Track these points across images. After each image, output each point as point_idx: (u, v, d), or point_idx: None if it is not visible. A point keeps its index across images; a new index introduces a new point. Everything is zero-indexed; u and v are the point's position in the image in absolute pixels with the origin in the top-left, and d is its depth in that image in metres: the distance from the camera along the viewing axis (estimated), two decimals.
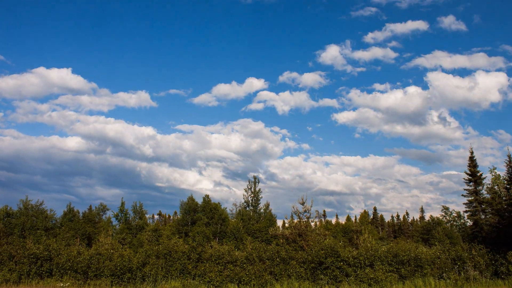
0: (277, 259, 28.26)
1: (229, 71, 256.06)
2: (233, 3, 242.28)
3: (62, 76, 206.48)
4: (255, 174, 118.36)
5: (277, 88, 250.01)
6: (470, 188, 55.32)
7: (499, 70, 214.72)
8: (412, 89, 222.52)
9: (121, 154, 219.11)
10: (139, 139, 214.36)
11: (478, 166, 55.46)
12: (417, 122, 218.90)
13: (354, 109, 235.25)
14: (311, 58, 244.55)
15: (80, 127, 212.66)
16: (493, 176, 54.15)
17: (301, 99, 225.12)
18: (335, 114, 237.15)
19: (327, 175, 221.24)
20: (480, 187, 54.72)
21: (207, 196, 75.74)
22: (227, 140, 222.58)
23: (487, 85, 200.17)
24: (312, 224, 37.18)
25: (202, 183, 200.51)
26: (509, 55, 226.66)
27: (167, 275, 27.62)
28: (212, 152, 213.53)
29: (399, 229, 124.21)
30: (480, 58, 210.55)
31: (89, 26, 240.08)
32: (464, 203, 55.76)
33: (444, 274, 27.84)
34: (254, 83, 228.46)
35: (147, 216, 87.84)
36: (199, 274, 27.54)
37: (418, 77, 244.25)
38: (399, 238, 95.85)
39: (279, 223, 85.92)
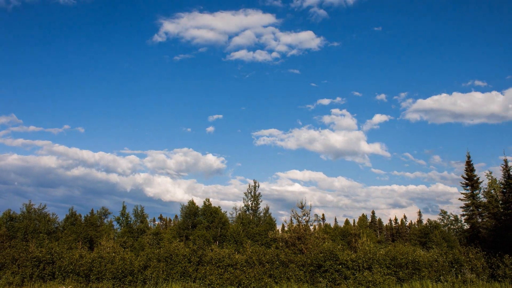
0: (277, 262, 28.26)
1: None
2: None
3: None
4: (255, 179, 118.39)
5: None
6: (467, 192, 55.38)
7: None
8: None
9: None
10: None
11: (474, 170, 55.57)
12: None
13: None
14: None
15: None
16: (490, 180, 54.26)
17: None
18: None
19: None
20: (477, 191, 54.78)
21: (207, 200, 75.66)
22: None
23: None
24: (311, 227, 37.16)
25: None
26: None
27: (168, 278, 27.60)
28: None
29: (397, 232, 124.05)
30: None
31: None
32: (461, 207, 55.83)
33: (441, 277, 27.82)
34: None
35: (148, 219, 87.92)
36: (200, 277, 27.53)
37: None
38: (397, 241, 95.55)
39: (279, 226, 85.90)
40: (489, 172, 55.86)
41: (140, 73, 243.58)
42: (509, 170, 49.88)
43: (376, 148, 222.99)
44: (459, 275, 28.20)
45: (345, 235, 77.33)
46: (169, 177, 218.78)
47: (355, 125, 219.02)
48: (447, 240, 74.58)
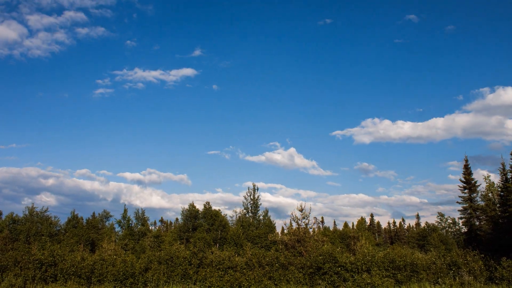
0: (276, 264, 28.23)
1: None
2: None
3: None
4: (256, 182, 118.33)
5: None
6: (465, 195, 55.42)
7: None
8: None
9: None
10: None
11: (472, 173, 55.62)
12: None
13: None
14: None
15: None
16: (487, 184, 54.31)
17: None
18: None
19: None
20: (475, 194, 54.83)
21: (207, 203, 75.59)
22: None
23: None
24: (311, 230, 37.10)
25: None
26: None
27: (168, 280, 27.58)
28: None
29: (396, 235, 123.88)
30: None
31: None
32: (459, 210, 55.91)
33: (439, 279, 27.79)
34: None
35: (149, 222, 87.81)
36: (200, 279, 27.50)
37: None
38: (396, 244, 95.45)
39: (278, 229, 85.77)
40: (487, 176, 55.99)
41: None
42: (506, 173, 49.93)
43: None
44: (457, 278, 28.16)
45: (344, 238, 77.11)
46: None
47: None
48: (445, 243, 74.54)
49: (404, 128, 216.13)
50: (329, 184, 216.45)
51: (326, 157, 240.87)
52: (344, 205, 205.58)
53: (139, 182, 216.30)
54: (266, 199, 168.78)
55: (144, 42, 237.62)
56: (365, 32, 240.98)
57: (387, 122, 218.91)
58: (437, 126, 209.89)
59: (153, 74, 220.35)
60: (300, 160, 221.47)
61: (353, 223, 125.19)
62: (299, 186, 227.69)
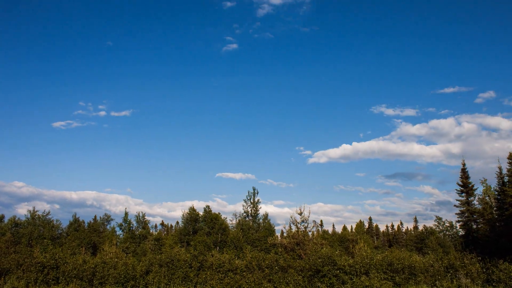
0: (276, 267, 28.21)
1: None
2: None
3: None
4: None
5: None
6: (462, 199, 55.37)
7: None
8: None
9: None
10: None
11: (469, 177, 55.61)
12: None
13: None
14: None
15: None
16: (484, 187, 54.29)
17: None
18: None
19: None
20: (472, 198, 54.79)
21: (207, 206, 75.55)
22: None
23: None
24: (310, 233, 37.13)
25: None
26: None
27: (169, 283, 27.54)
28: None
29: (394, 238, 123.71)
30: None
31: None
32: (456, 213, 55.82)
33: (437, 282, 27.77)
34: None
35: (150, 225, 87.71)
36: (201, 282, 27.48)
37: None
38: (394, 247, 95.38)
39: (278, 232, 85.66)
40: (484, 179, 55.99)
41: None
42: (503, 177, 49.97)
43: None
44: (455, 280, 28.14)
45: (342, 241, 77.09)
46: None
47: None
48: (442, 246, 74.49)
49: None
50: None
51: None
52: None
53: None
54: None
55: None
56: None
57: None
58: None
59: None
60: None
61: (351, 226, 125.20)
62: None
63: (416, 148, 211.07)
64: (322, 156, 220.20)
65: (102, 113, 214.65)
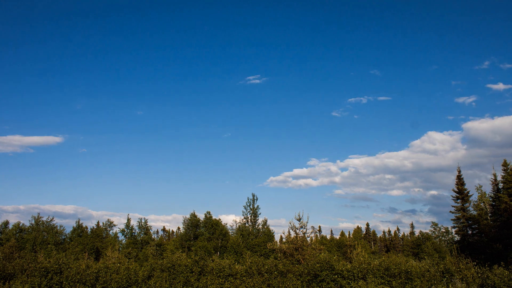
0: (275, 272, 28.14)
1: None
2: None
3: None
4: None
5: None
6: (458, 205, 55.39)
7: None
8: None
9: None
10: None
11: (465, 184, 55.68)
12: None
13: None
14: None
15: None
16: (479, 194, 54.39)
17: None
18: None
19: None
20: (467, 204, 54.82)
21: (208, 212, 75.48)
22: None
23: None
24: (308, 239, 37.06)
25: None
26: None
27: None
28: None
29: (391, 243, 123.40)
30: None
31: None
32: (452, 219, 55.81)
33: (433, 287, 27.69)
34: None
35: (151, 231, 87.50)
36: (201, 287, 27.40)
37: None
38: (391, 252, 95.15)
39: (277, 238, 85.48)
40: (479, 186, 56.07)
41: None
42: (498, 184, 50.05)
43: None
44: (450, 285, 28.08)
45: (340, 246, 77.03)
46: None
47: None
48: (438, 251, 74.29)
49: None
50: None
51: None
52: None
53: None
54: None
55: None
56: None
57: None
58: None
59: None
60: None
61: (349, 232, 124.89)
62: None
63: None
64: None
65: None
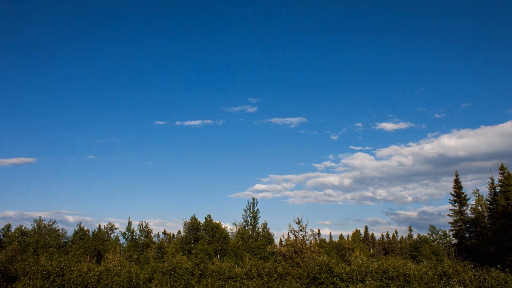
0: (275, 275, 28.11)
1: None
2: None
3: None
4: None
5: None
6: (455, 208, 55.33)
7: None
8: None
9: None
10: None
11: (462, 187, 55.62)
12: None
13: None
14: None
15: None
16: (477, 197, 54.33)
17: None
18: None
19: None
20: (465, 208, 54.76)
21: (209, 216, 75.38)
22: None
23: None
24: (307, 242, 37.01)
25: None
26: None
27: None
28: None
29: (389, 246, 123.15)
30: None
31: None
32: (449, 222, 55.73)
33: None
34: None
35: (152, 234, 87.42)
36: None
37: None
38: (389, 255, 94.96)
39: (276, 241, 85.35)
40: (476, 190, 56.02)
41: None
42: (495, 187, 50.03)
43: None
44: (448, 287, 28.05)
45: (339, 249, 76.77)
46: None
47: None
48: (436, 254, 74.17)
49: None
50: None
51: None
52: None
53: None
54: None
55: None
56: None
57: None
58: None
59: None
60: None
61: (348, 235, 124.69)
62: None
63: None
64: None
65: None
